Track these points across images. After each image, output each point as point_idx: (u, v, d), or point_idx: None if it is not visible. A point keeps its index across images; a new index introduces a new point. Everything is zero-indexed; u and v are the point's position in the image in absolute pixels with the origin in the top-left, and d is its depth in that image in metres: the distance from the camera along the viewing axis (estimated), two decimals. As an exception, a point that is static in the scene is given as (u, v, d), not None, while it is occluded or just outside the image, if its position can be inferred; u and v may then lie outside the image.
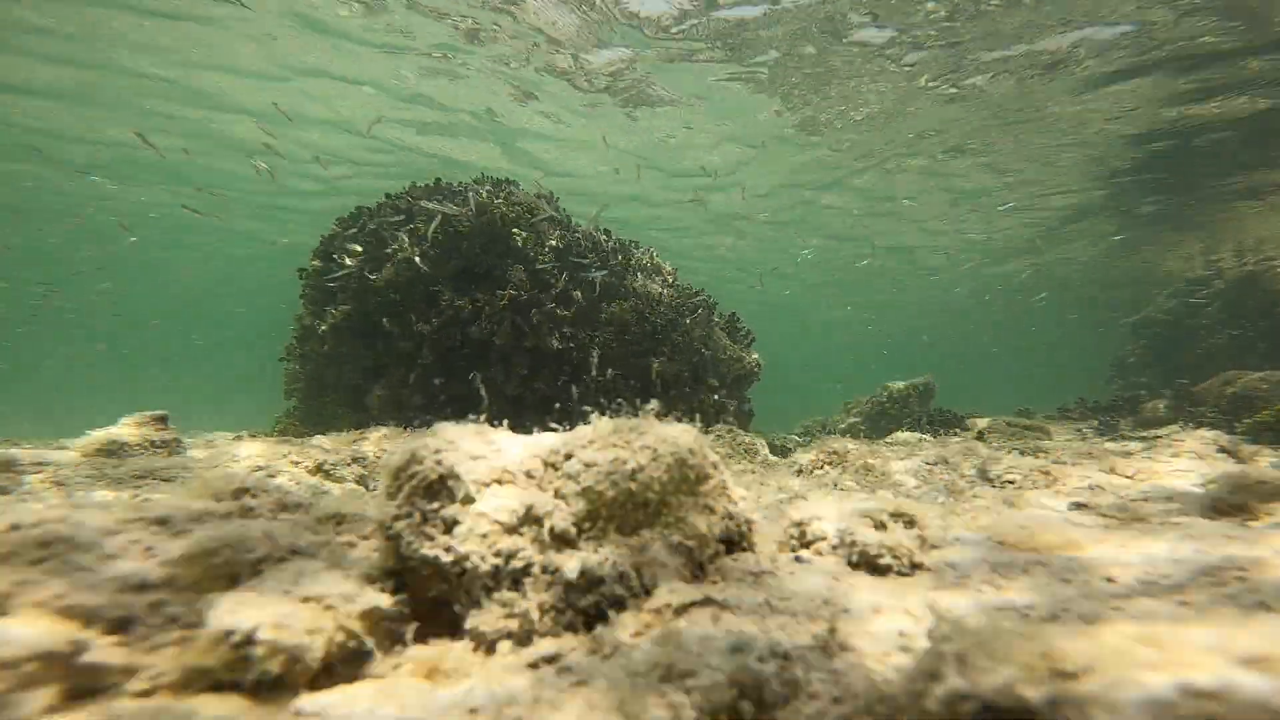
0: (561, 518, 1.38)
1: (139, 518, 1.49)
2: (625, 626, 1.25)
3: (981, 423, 7.90)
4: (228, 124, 14.83)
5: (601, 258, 6.44)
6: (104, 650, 1.09)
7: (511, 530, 1.34)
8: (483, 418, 1.68)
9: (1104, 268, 23.99)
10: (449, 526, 1.34)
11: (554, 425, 1.90)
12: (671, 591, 1.33)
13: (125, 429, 4.33)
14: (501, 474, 1.43)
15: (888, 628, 1.25)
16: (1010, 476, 3.26)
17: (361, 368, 6.27)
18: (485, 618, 1.27)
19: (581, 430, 1.56)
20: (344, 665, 1.19)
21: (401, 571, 1.35)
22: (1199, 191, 15.51)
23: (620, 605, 1.31)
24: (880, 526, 1.65)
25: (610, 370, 5.98)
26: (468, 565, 1.31)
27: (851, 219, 19.89)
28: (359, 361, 6.27)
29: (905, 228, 20.84)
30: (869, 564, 1.56)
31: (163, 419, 4.55)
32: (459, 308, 5.84)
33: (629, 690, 1.04)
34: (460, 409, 5.79)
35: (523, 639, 1.24)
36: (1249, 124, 12.05)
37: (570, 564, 1.32)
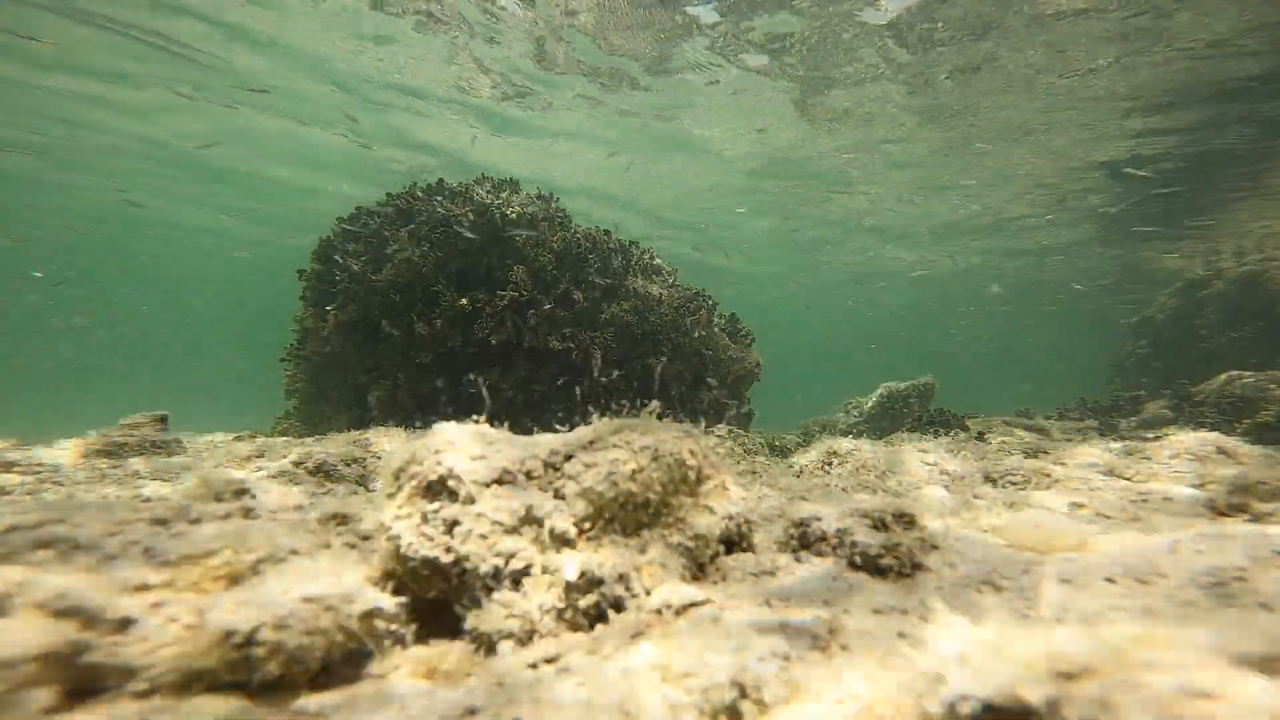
0: (561, 518, 1.38)
1: (139, 518, 1.49)
2: (625, 627, 1.25)
3: (981, 423, 7.90)
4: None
5: (602, 258, 6.44)
6: (104, 650, 1.09)
7: (511, 531, 1.34)
8: (483, 418, 1.68)
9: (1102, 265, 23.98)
10: (449, 527, 1.34)
11: (555, 426, 1.91)
12: (672, 592, 1.33)
13: (125, 430, 4.33)
14: (501, 474, 1.43)
15: (888, 628, 1.25)
16: (1010, 477, 3.26)
17: (361, 368, 6.27)
18: (485, 618, 1.27)
19: (582, 431, 1.56)
20: (344, 665, 1.19)
21: (401, 572, 1.35)
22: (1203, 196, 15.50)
23: (620, 606, 1.31)
24: (880, 527, 1.65)
25: (611, 371, 5.98)
26: (468, 565, 1.31)
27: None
28: (359, 362, 6.27)
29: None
30: (869, 564, 1.56)
31: (163, 419, 4.55)
32: (459, 308, 5.84)
33: (629, 691, 1.04)
34: (460, 410, 5.78)
35: (523, 639, 1.24)
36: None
37: (570, 564, 1.32)
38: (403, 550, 1.33)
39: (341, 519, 1.69)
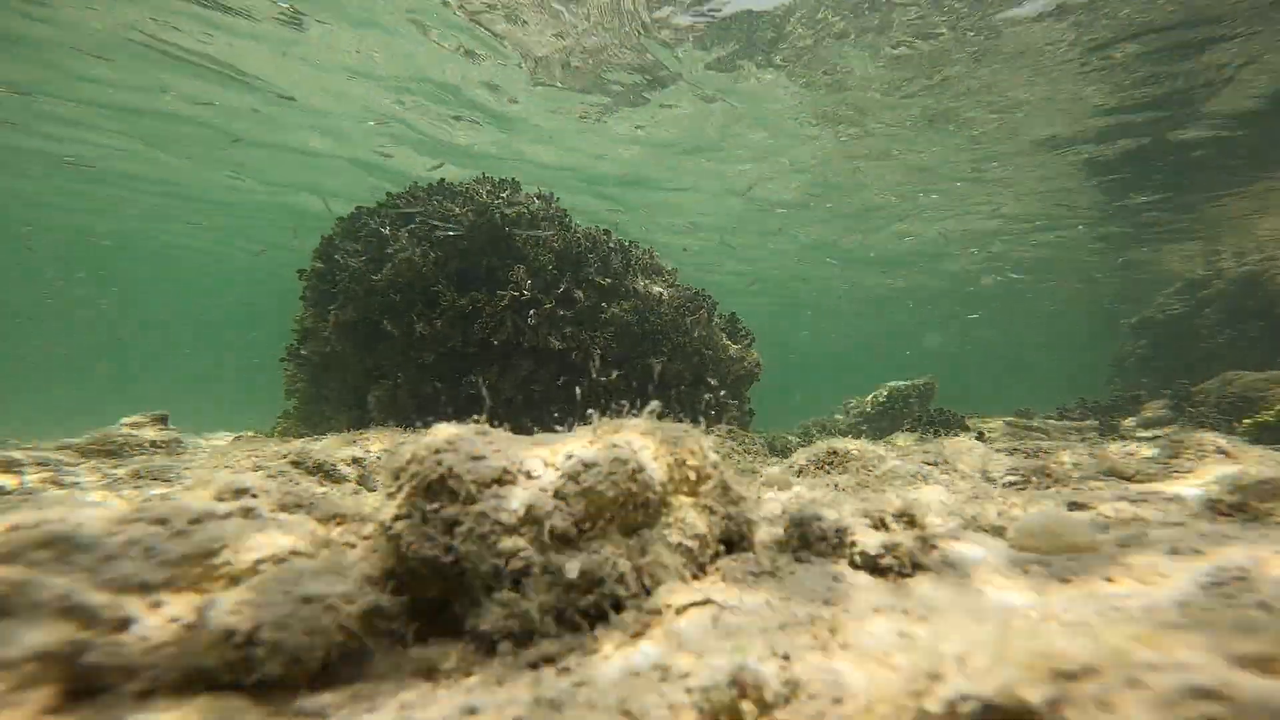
0: (561, 518, 1.38)
1: (139, 518, 1.49)
2: (626, 627, 1.25)
3: (981, 423, 7.90)
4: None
5: (602, 257, 6.44)
6: (104, 650, 1.09)
7: (511, 530, 1.34)
8: (483, 418, 1.68)
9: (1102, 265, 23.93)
10: (449, 527, 1.34)
11: (555, 426, 1.91)
12: (672, 592, 1.33)
13: (125, 429, 4.33)
14: (502, 474, 1.43)
15: (888, 628, 1.25)
16: (1010, 477, 3.26)
17: (361, 368, 6.27)
18: (485, 618, 1.27)
19: (582, 431, 1.56)
20: (344, 665, 1.19)
21: (401, 572, 1.35)
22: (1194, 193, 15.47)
23: (621, 606, 1.31)
24: (880, 526, 1.65)
25: (611, 371, 5.98)
26: (468, 565, 1.31)
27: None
28: (359, 362, 6.27)
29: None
30: (870, 564, 1.56)
31: (163, 419, 4.55)
32: (459, 308, 5.84)
33: (629, 691, 1.04)
34: (460, 409, 5.78)
35: (523, 639, 1.24)
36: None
37: (570, 564, 1.32)
38: (403, 550, 1.33)
39: (341, 519, 1.69)
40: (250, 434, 6.67)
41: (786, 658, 1.08)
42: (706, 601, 1.30)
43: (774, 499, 2.49)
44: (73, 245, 28.12)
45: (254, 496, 1.74)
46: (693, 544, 1.47)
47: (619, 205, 18.94)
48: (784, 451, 6.78)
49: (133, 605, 1.20)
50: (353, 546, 1.55)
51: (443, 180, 6.84)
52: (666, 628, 1.23)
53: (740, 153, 14.94)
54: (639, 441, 1.50)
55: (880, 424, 10.75)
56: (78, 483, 3.25)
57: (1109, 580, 1.50)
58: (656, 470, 1.47)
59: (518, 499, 1.38)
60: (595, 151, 15.12)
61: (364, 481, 3.39)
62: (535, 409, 5.91)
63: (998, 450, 4.29)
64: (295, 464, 3.24)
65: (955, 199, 17.10)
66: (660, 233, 21.58)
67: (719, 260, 25.34)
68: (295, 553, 1.43)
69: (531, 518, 1.36)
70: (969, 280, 26.92)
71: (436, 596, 1.33)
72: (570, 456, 1.48)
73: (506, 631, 1.25)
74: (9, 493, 3.01)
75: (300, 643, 1.12)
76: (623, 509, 1.43)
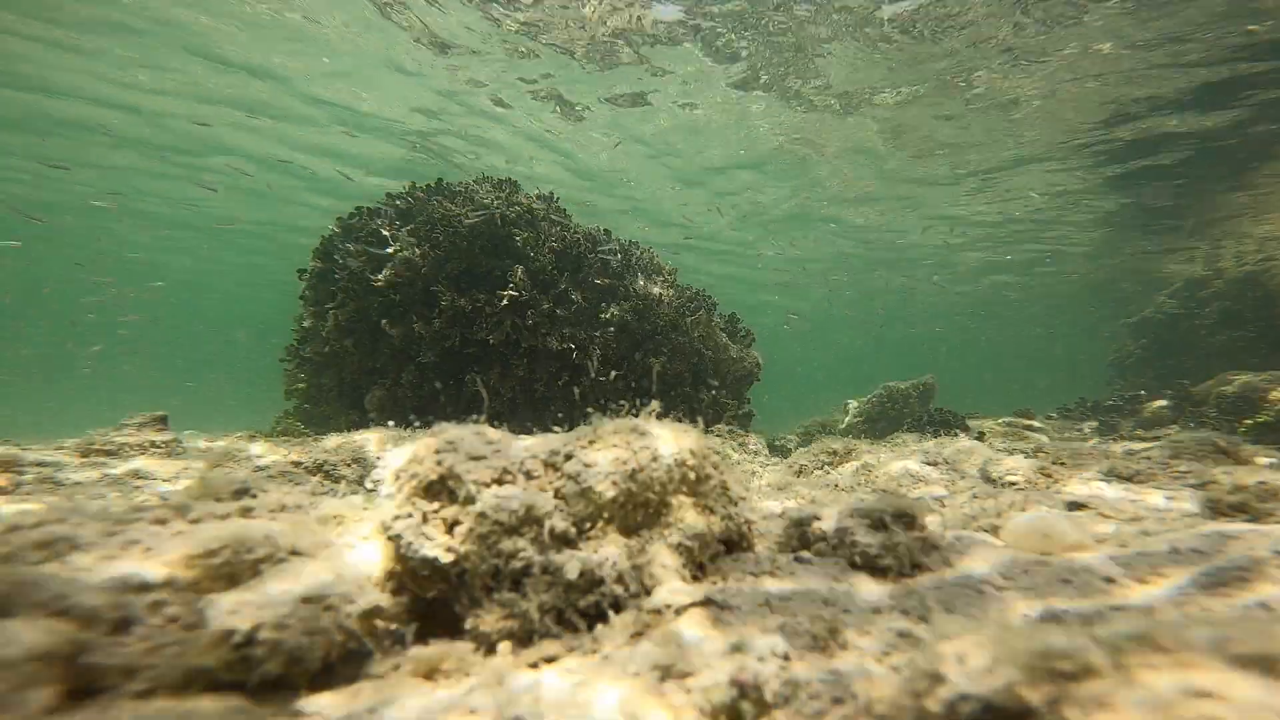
0: (561, 518, 1.38)
1: (140, 518, 1.49)
2: (625, 627, 1.25)
3: (981, 423, 7.90)
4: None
5: (601, 257, 6.44)
6: (104, 650, 1.09)
7: (511, 530, 1.34)
8: (483, 418, 1.68)
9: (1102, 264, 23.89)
10: (449, 527, 1.34)
11: (554, 426, 1.91)
12: (672, 592, 1.33)
13: (125, 430, 4.33)
14: (501, 474, 1.43)
15: (888, 628, 1.25)
16: (1010, 477, 3.26)
17: (361, 368, 6.27)
18: (485, 618, 1.27)
19: (582, 431, 1.56)
20: (344, 665, 1.19)
21: (401, 572, 1.35)
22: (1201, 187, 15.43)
23: (620, 606, 1.31)
24: (880, 527, 1.65)
25: (610, 371, 5.98)
26: (468, 565, 1.31)
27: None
28: (359, 362, 6.27)
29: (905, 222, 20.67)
30: (869, 564, 1.56)
31: (163, 420, 4.55)
32: (459, 308, 5.84)
33: (630, 691, 1.04)
34: (460, 410, 5.78)
35: (523, 639, 1.24)
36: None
37: (570, 564, 1.32)
38: (403, 550, 1.33)
39: (341, 519, 1.69)
40: (250, 434, 6.66)
41: (786, 658, 1.08)
42: (706, 602, 1.30)
43: (774, 499, 2.49)
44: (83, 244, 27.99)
45: (253, 497, 1.74)
46: (693, 544, 1.47)
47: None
48: (784, 452, 6.79)
49: (133, 605, 1.20)
50: (353, 547, 1.55)
51: (441, 180, 6.84)
52: (666, 628, 1.23)
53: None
54: (638, 441, 1.50)
55: (880, 424, 10.75)
56: (77, 483, 3.25)
57: (1109, 580, 1.50)
58: (656, 470, 1.47)
59: (517, 499, 1.38)
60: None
61: (364, 481, 3.39)
62: (535, 409, 5.92)
63: (998, 450, 4.29)
64: (296, 463, 3.24)
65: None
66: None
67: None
68: (295, 552, 1.43)
69: (531, 518, 1.36)
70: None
71: (436, 596, 1.33)
72: (570, 457, 1.48)
73: (506, 631, 1.25)
74: (9, 493, 3.01)
75: (300, 643, 1.12)
76: (622, 509, 1.43)
